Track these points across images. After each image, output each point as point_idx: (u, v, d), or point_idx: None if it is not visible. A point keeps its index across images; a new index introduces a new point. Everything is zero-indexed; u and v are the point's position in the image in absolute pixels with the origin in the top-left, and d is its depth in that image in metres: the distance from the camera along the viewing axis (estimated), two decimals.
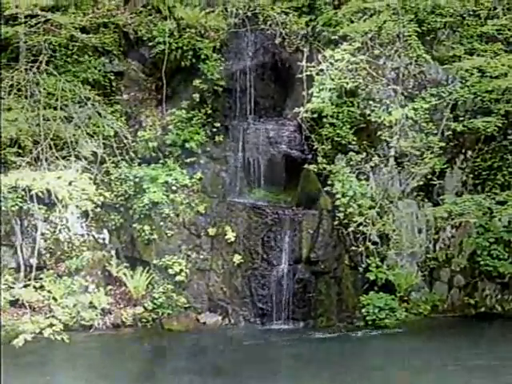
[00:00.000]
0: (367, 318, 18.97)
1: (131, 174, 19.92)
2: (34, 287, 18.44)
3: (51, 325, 16.50)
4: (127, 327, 18.85)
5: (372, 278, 19.53)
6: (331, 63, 20.02)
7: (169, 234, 19.86)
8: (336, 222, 19.59)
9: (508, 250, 20.03)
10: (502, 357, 16.43)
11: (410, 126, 19.75)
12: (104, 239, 19.89)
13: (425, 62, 20.41)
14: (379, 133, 19.82)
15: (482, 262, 19.94)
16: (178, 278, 19.49)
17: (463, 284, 20.42)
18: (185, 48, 20.71)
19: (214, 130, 20.76)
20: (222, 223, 19.92)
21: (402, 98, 19.98)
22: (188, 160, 20.42)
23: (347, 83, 19.86)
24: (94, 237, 19.70)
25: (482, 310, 20.13)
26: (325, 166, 20.01)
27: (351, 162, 19.97)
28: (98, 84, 20.71)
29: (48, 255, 19.11)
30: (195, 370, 15.89)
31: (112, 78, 21.01)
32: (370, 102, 20.07)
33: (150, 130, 20.67)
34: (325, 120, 20.26)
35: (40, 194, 18.43)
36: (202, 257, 19.92)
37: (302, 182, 20.29)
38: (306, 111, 20.04)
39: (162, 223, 19.81)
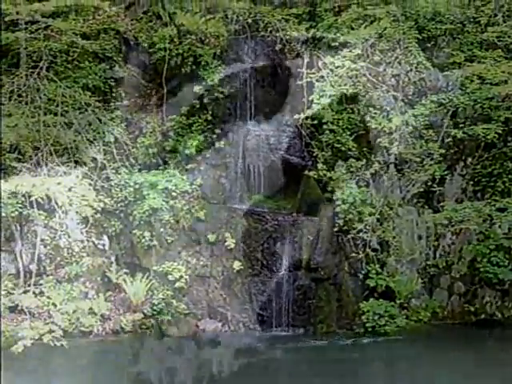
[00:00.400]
0: (367, 324, 18.93)
1: (131, 180, 19.93)
2: (34, 293, 18.45)
3: (51, 331, 16.56)
4: (127, 333, 18.79)
5: (372, 284, 19.50)
6: (331, 70, 20.09)
7: (169, 241, 19.84)
8: (336, 229, 19.57)
9: (508, 257, 19.99)
10: (502, 364, 16.40)
11: (410, 132, 19.79)
12: (104, 245, 19.87)
13: (425, 69, 20.44)
14: (379, 139, 19.85)
15: (482, 269, 19.90)
16: (177, 284, 19.46)
17: (463, 291, 20.38)
18: (185, 54, 20.75)
19: (214, 136, 20.76)
20: (221, 229, 19.90)
21: (402, 104, 20.03)
22: (188, 166, 20.43)
23: (347, 90, 19.93)
24: (93, 243, 19.67)
25: (482, 316, 20.08)
26: (325, 172, 20.03)
27: (351, 169, 20.01)
28: (98, 90, 20.73)
29: (48, 261, 19.07)
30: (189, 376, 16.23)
31: (112, 84, 21.02)
32: (370, 109, 20.10)
33: (150, 136, 20.71)
34: (325, 126, 20.29)
35: (40, 200, 18.44)
36: (201, 263, 19.90)
37: (303, 189, 20.28)
38: (306, 117, 20.08)
39: (161, 229, 19.79)
